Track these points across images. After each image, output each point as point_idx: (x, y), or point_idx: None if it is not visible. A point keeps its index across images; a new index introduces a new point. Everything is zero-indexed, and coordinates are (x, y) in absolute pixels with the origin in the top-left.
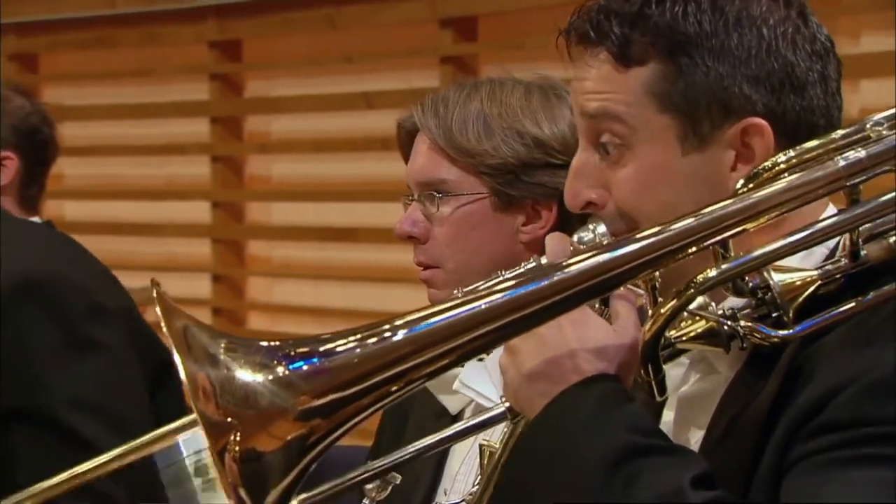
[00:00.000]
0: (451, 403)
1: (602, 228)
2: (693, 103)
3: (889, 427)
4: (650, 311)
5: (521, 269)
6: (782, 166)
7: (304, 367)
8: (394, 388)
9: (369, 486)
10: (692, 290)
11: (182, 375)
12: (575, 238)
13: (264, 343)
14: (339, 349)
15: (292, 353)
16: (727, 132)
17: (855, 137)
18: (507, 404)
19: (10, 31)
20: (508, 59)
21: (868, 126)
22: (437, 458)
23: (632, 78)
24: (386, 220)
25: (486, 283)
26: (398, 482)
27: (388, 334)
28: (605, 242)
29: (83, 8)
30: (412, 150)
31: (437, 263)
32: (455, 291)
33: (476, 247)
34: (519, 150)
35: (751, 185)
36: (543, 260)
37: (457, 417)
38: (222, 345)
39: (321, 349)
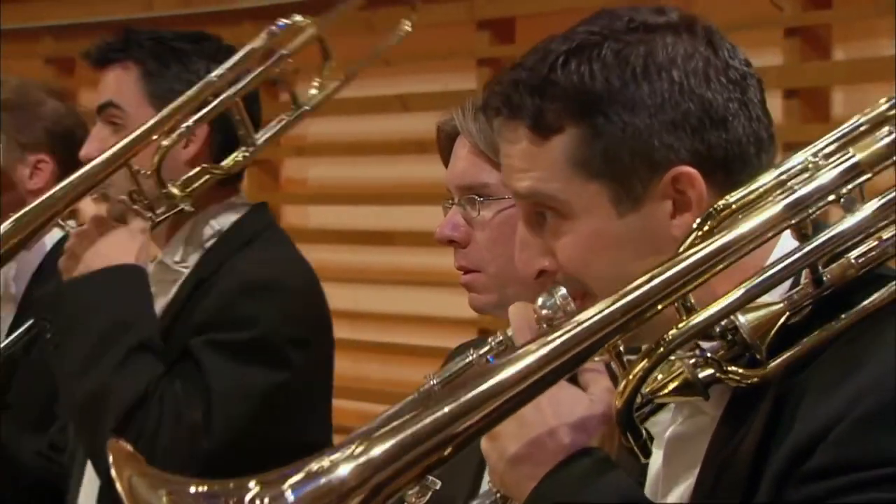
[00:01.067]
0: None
1: (562, 291)
2: (616, 164)
3: (886, 469)
4: (619, 376)
5: (489, 345)
6: (734, 207)
7: None
8: None
9: (409, 492)
10: (661, 350)
11: None
12: (538, 303)
13: (193, 489)
14: (276, 493)
15: (230, 502)
16: (658, 185)
17: (797, 170)
18: (496, 490)
19: (47, 35)
20: None
21: (809, 157)
22: (476, 466)
23: (552, 150)
24: (422, 223)
25: (457, 365)
26: (437, 487)
27: (335, 472)
28: (567, 304)
29: (120, 10)
30: (452, 154)
31: (478, 267)
32: (428, 377)
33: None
34: None
35: (705, 228)
36: (509, 331)
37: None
38: (163, 498)
39: (259, 495)
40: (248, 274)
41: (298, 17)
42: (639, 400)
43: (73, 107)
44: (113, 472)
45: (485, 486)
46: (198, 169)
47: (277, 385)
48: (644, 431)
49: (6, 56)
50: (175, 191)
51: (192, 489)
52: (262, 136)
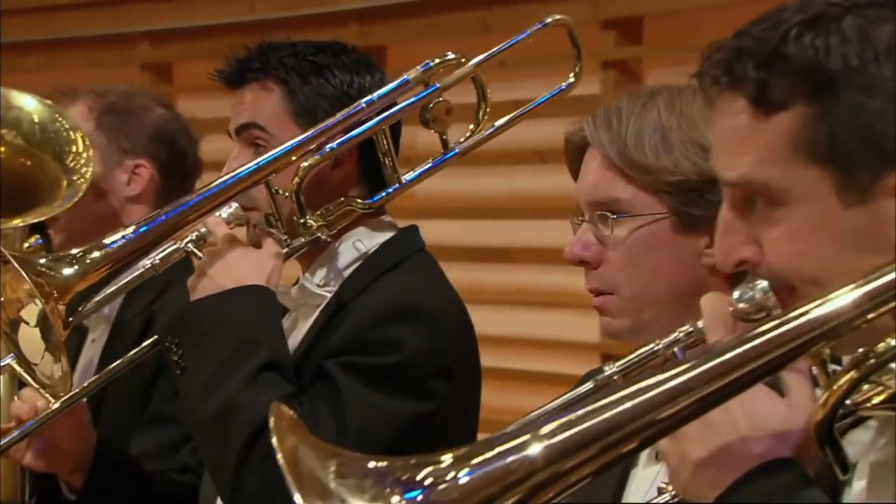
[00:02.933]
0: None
1: (763, 284)
2: (843, 150)
3: None
4: (822, 386)
5: (677, 337)
6: None
7: (419, 497)
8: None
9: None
10: (872, 361)
11: None
12: (735, 296)
13: (372, 464)
14: (455, 473)
15: (404, 479)
16: (889, 180)
17: None
18: (674, 493)
19: (143, 40)
20: (676, 63)
21: None
22: (615, 487)
23: (772, 128)
24: (543, 239)
25: (638, 356)
26: None
27: (524, 451)
28: (767, 300)
29: (220, 14)
30: (582, 167)
31: (612, 290)
32: (606, 367)
33: (654, 272)
34: (701, 165)
35: None
36: (700, 324)
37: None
38: (332, 469)
39: (437, 472)
40: (394, 298)
41: (452, 55)
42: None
43: (179, 116)
44: (274, 440)
45: (630, 497)
46: (340, 200)
47: (416, 416)
48: (843, 448)
49: (101, 63)
50: (312, 221)
51: (371, 464)
52: (409, 176)
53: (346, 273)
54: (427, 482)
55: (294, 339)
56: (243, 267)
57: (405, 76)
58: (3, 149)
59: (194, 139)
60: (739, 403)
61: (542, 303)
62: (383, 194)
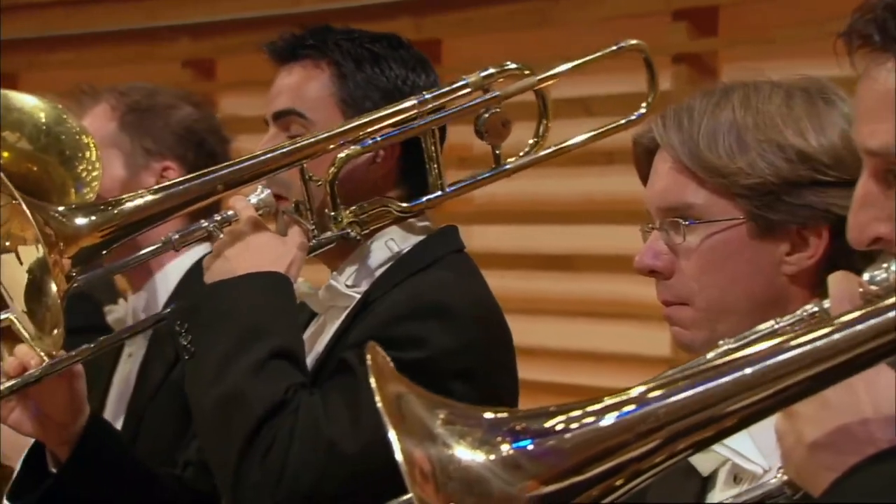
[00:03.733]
0: (704, 464)
1: None
2: None
3: None
4: None
5: (800, 316)
6: None
7: (531, 447)
8: (644, 467)
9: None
10: None
11: (396, 452)
12: (865, 277)
13: (488, 415)
14: (573, 423)
15: (518, 429)
16: None
17: None
18: (785, 477)
19: (184, 34)
20: (754, 57)
21: None
22: (697, 493)
23: None
24: (609, 246)
25: (757, 334)
26: None
27: (634, 404)
28: None
29: (265, 6)
30: (651, 171)
31: (685, 300)
32: (721, 342)
33: (730, 281)
34: (780, 166)
35: None
36: (826, 304)
37: (708, 479)
38: (441, 416)
39: (552, 424)
40: (423, 295)
41: (515, 65)
42: None
43: (208, 113)
44: (373, 382)
45: (713, 497)
46: (376, 199)
47: None
48: None
49: (140, 59)
50: (344, 216)
51: (486, 415)
52: (454, 185)
53: (377, 273)
54: (539, 432)
55: (321, 344)
56: (263, 253)
57: (463, 79)
58: (5, 154)
59: (225, 139)
60: (863, 383)
61: (607, 314)
62: (423, 200)
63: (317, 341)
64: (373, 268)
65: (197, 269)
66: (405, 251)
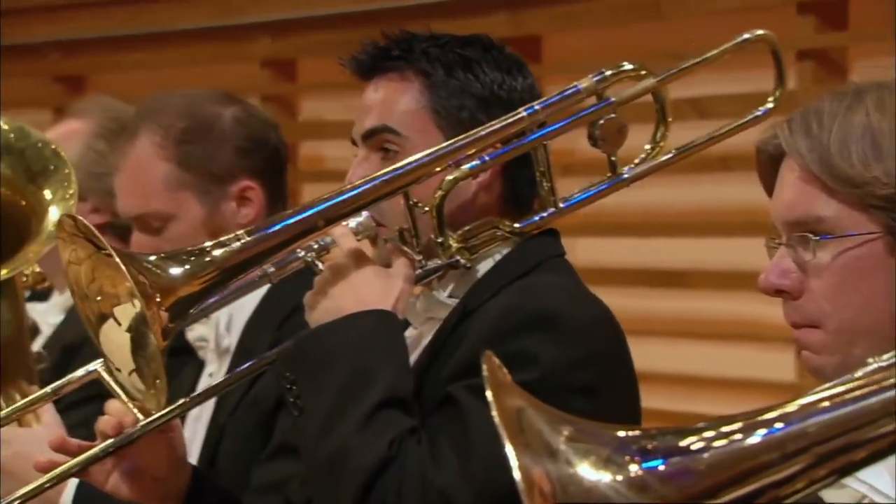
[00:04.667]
0: (837, 497)
1: None
2: None
3: None
4: None
5: None
6: None
7: (662, 467)
8: (783, 494)
9: None
10: None
11: (513, 468)
12: None
13: (621, 433)
14: (715, 441)
15: (649, 447)
16: None
17: None
18: None
19: (264, 32)
20: (888, 53)
21: None
22: None
23: None
24: (727, 261)
25: None
26: None
27: (779, 425)
28: None
29: (351, 2)
30: (777, 181)
31: (816, 323)
32: (870, 360)
33: (866, 301)
34: None
35: None
36: None
37: None
38: (565, 433)
39: (688, 442)
40: (527, 304)
41: (631, 66)
42: None
43: (248, 104)
44: (489, 395)
45: None
46: (485, 221)
47: None
48: None
49: (216, 59)
50: (452, 242)
51: (614, 433)
52: (568, 202)
53: (474, 280)
54: (672, 451)
55: (414, 357)
56: (368, 288)
57: (576, 85)
58: None
59: (273, 124)
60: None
61: (724, 335)
62: (536, 219)
63: (412, 355)
64: (472, 276)
65: (276, 290)
66: (503, 255)
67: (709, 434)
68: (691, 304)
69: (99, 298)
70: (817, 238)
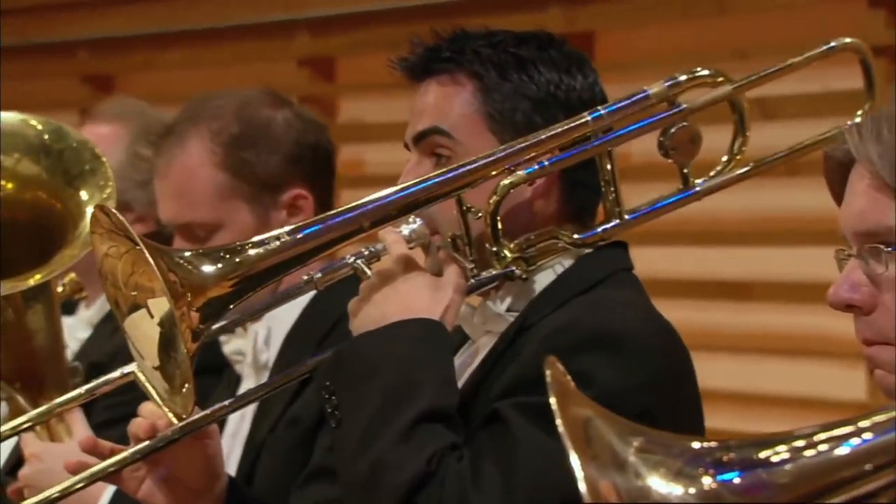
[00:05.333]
0: None
1: None
2: None
3: None
4: None
5: None
6: None
7: (738, 480)
8: None
9: None
10: None
11: (579, 480)
12: None
13: (695, 445)
14: (786, 457)
15: (724, 459)
16: None
17: None
18: None
19: (303, 29)
20: None
21: None
22: None
23: None
24: (793, 272)
25: None
26: None
27: (863, 437)
28: None
29: None
30: (847, 189)
31: (890, 339)
32: None
33: None
34: None
35: None
36: None
37: None
38: (634, 444)
39: (762, 455)
40: (588, 321)
41: (706, 71)
42: None
43: (293, 105)
44: (553, 402)
45: None
46: (545, 231)
47: None
48: None
49: (252, 57)
50: (508, 251)
51: (688, 444)
52: (634, 214)
53: (536, 293)
54: (749, 463)
55: (469, 374)
56: (416, 296)
57: (646, 90)
58: (8, 184)
59: (323, 127)
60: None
61: (791, 351)
62: (599, 230)
63: (466, 370)
64: (532, 289)
65: (316, 303)
66: (567, 267)
67: (788, 446)
68: (756, 317)
69: (135, 293)
70: (890, 250)
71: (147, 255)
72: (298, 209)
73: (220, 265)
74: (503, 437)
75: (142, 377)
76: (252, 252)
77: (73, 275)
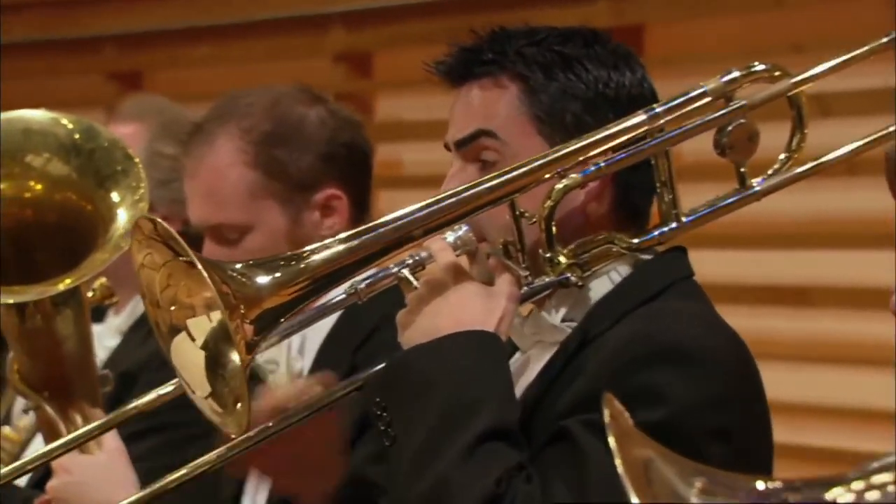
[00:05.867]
0: None
1: None
2: None
3: None
4: None
5: None
6: None
7: None
8: None
9: None
10: None
11: None
12: None
13: (760, 485)
14: (859, 498)
15: (791, 501)
16: None
17: None
18: None
19: (338, 23)
20: None
21: None
22: None
23: None
24: (853, 276)
25: None
26: None
27: None
28: None
29: None
30: None
31: None
32: None
33: None
34: None
35: None
36: None
37: None
38: (697, 485)
39: (832, 496)
40: (657, 335)
41: (763, 66)
42: None
43: (337, 107)
44: (611, 441)
45: None
46: (600, 236)
47: None
48: None
49: (285, 53)
50: (562, 258)
51: (755, 484)
52: (691, 216)
53: (594, 303)
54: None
55: (522, 387)
56: (469, 307)
57: (702, 86)
58: (38, 185)
59: (358, 124)
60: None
61: (852, 359)
62: (656, 234)
63: (521, 377)
64: (592, 300)
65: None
66: (622, 274)
67: (859, 486)
68: (815, 324)
69: (173, 308)
70: None
71: (200, 267)
72: (332, 210)
73: (276, 275)
74: (572, 456)
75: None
76: (307, 262)
77: (103, 279)
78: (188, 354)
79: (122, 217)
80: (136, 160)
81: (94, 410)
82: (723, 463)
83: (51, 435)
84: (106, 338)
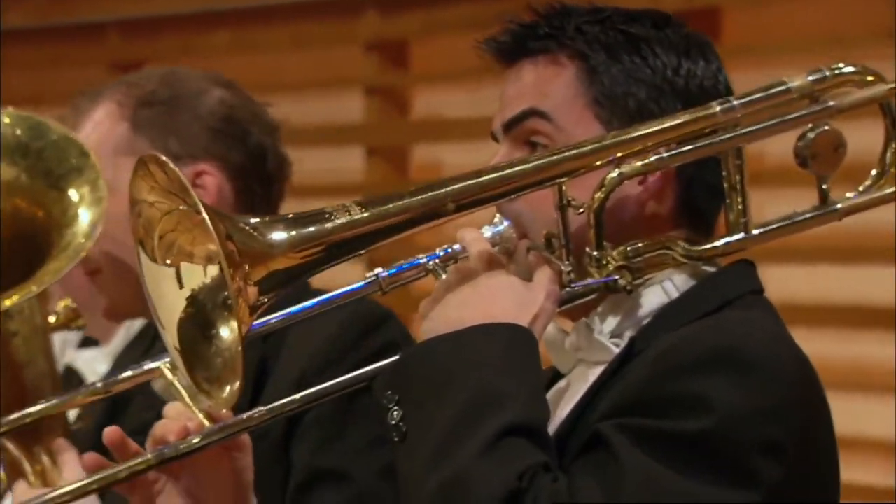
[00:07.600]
0: None
1: None
2: None
3: None
4: None
5: None
6: None
7: None
8: None
9: None
10: None
11: None
12: None
13: None
14: None
15: None
16: None
17: None
18: None
19: (371, 7)
20: None
21: None
22: None
23: None
24: None
25: None
26: None
27: None
28: None
29: None
30: None
31: None
32: None
33: None
34: None
35: None
36: None
37: None
38: None
39: None
40: (706, 339)
41: (852, 67)
42: None
43: (249, 99)
44: None
45: None
46: (658, 240)
47: None
48: None
49: (313, 41)
50: (611, 259)
51: None
52: (762, 228)
53: (647, 320)
54: None
55: (566, 408)
56: (501, 299)
57: (786, 82)
58: None
59: (274, 127)
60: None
61: None
62: (721, 243)
63: (560, 403)
64: (643, 314)
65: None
66: (678, 286)
67: None
68: None
69: (169, 249)
70: None
71: (205, 215)
72: (200, 188)
73: (292, 232)
74: (606, 462)
75: (169, 374)
76: (326, 224)
77: (67, 300)
78: (168, 294)
79: (84, 218)
80: (90, 153)
81: (58, 442)
82: (778, 484)
83: (14, 475)
84: (98, 363)
